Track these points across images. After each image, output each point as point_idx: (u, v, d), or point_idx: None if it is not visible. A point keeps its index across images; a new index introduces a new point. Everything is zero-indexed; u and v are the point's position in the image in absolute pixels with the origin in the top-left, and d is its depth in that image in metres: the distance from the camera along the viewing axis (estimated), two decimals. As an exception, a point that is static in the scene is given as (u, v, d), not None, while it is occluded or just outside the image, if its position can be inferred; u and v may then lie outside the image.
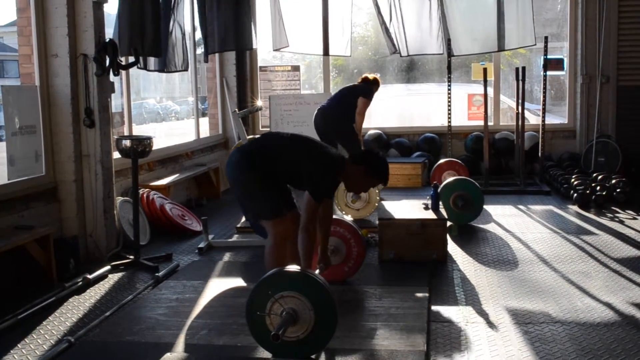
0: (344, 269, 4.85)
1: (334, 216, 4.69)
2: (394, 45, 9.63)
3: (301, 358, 3.47)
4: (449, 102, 9.35)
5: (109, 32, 5.90)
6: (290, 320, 3.37)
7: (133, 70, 6.92)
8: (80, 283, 4.90)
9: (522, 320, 4.07)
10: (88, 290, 4.86)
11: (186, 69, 7.82)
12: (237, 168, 4.24)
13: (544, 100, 9.15)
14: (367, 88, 7.43)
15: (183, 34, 7.55)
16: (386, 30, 9.59)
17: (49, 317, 4.29)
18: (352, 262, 4.86)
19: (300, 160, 4.16)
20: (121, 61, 5.87)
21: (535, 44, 9.42)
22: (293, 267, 3.66)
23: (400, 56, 9.75)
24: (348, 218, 6.71)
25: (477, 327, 3.98)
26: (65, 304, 4.57)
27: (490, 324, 4.01)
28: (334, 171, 4.14)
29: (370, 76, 7.55)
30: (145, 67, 6.84)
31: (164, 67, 7.26)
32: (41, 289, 4.75)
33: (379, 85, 7.57)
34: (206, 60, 8.66)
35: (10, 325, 4.09)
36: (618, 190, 7.76)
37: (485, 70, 8.97)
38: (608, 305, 4.30)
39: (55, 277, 4.97)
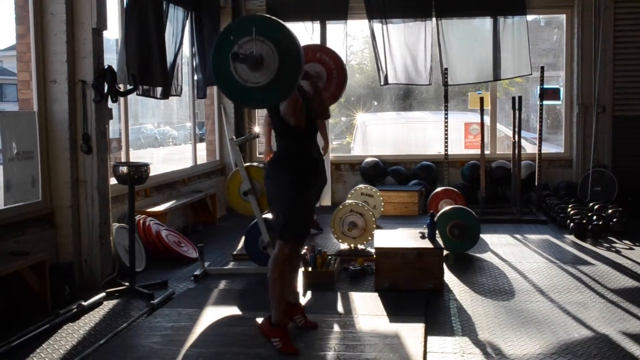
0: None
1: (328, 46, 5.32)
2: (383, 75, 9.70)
3: (262, 104, 3.90)
4: (446, 130, 9.39)
5: (108, 58, 5.93)
6: (254, 60, 3.47)
7: (131, 96, 6.95)
8: (75, 310, 4.87)
9: (519, 351, 4.05)
10: (82, 318, 4.83)
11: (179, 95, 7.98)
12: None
13: (540, 130, 9.20)
14: None
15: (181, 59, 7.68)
16: (378, 60, 9.66)
17: (43, 345, 4.26)
18: (331, 91, 5.29)
19: None
20: (119, 88, 5.88)
21: (531, 74, 9.52)
22: (266, 16, 3.75)
23: (387, 84, 9.81)
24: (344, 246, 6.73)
25: (473, 358, 3.96)
26: (59, 331, 4.53)
27: (487, 355, 3.99)
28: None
29: None
30: (151, 95, 6.97)
31: (166, 94, 7.38)
32: (35, 316, 4.72)
33: None
34: (202, 96, 8.81)
35: (3, 353, 4.05)
36: (614, 220, 7.76)
37: (481, 99, 9.03)
38: (605, 337, 4.28)
39: (49, 304, 4.92)
